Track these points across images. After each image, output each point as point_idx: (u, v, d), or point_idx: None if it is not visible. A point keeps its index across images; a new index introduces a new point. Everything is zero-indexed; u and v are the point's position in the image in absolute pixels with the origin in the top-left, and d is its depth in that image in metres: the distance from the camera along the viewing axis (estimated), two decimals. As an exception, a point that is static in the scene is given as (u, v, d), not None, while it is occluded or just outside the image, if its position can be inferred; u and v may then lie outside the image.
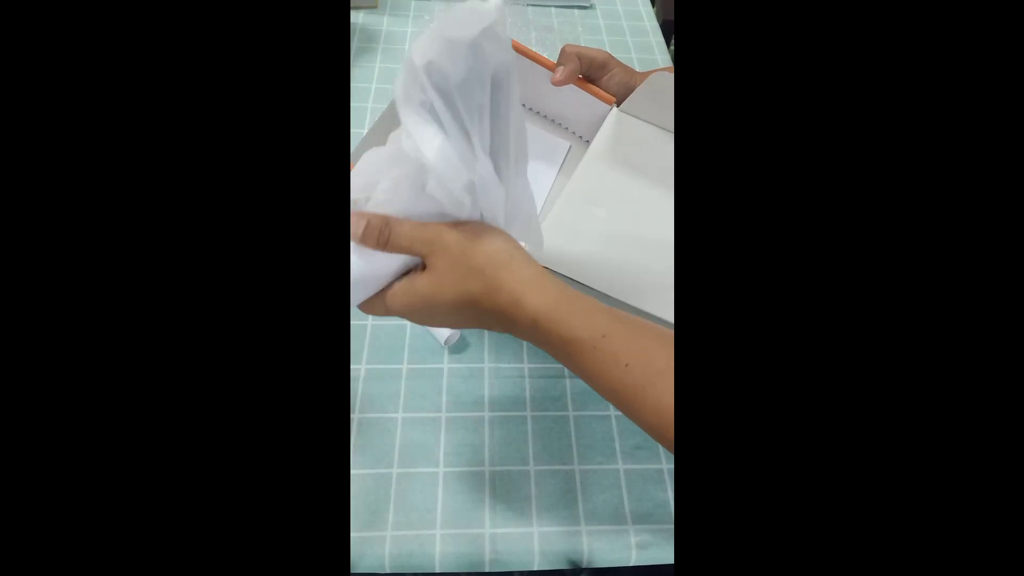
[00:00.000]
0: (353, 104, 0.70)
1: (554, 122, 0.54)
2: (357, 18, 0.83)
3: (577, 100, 0.51)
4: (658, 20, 0.90)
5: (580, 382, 0.51)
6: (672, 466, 0.47)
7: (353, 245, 0.33)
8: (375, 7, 0.84)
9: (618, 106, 0.51)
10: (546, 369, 0.51)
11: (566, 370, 0.52)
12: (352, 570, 0.41)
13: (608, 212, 0.47)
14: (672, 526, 0.44)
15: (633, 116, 0.51)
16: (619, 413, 0.49)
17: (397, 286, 0.34)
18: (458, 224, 0.34)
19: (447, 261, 0.33)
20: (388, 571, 0.42)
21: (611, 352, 0.31)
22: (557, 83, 0.48)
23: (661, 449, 0.47)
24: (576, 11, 0.89)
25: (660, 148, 0.50)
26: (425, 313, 0.35)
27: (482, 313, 0.33)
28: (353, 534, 0.42)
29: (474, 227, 0.34)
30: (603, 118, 0.51)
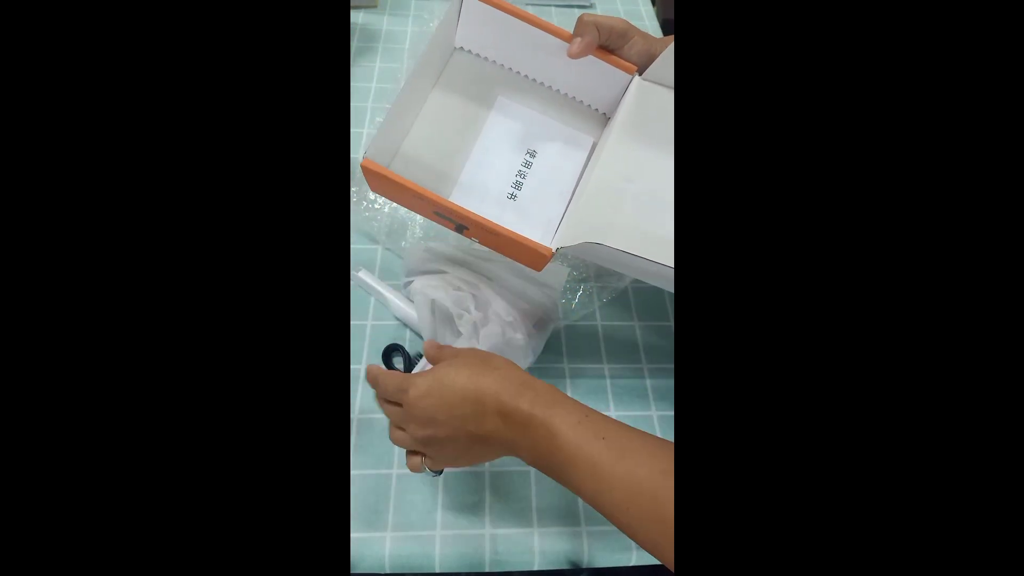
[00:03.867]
0: (353, 104, 0.70)
1: (572, 98, 0.52)
2: (357, 18, 0.83)
3: (595, 71, 0.48)
4: (658, 20, 0.90)
5: (581, 383, 0.51)
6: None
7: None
8: (375, 7, 0.84)
9: (640, 75, 0.48)
10: (546, 370, 0.51)
11: (567, 371, 0.52)
12: (352, 570, 0.41)
13: (643, 184, 0.46)
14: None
15: (656, 83, 0.49)
16: (620, 414, 0.49)
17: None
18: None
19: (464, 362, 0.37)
20: (388, 571, 0.42)
21: (592, 427, 0.33)
22: (574, 55, 0.46)
23: (661, 449, 0.47)
24: (576, 10, 0.89)
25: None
26: (442, 413, 0.36)
27: (503, 419, 0.35)
28: (353, 534, 0.42)
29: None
30: (623, 89, 0.49)
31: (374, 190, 0.45)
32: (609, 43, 0.47)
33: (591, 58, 0.47)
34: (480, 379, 0.35)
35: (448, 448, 0.37)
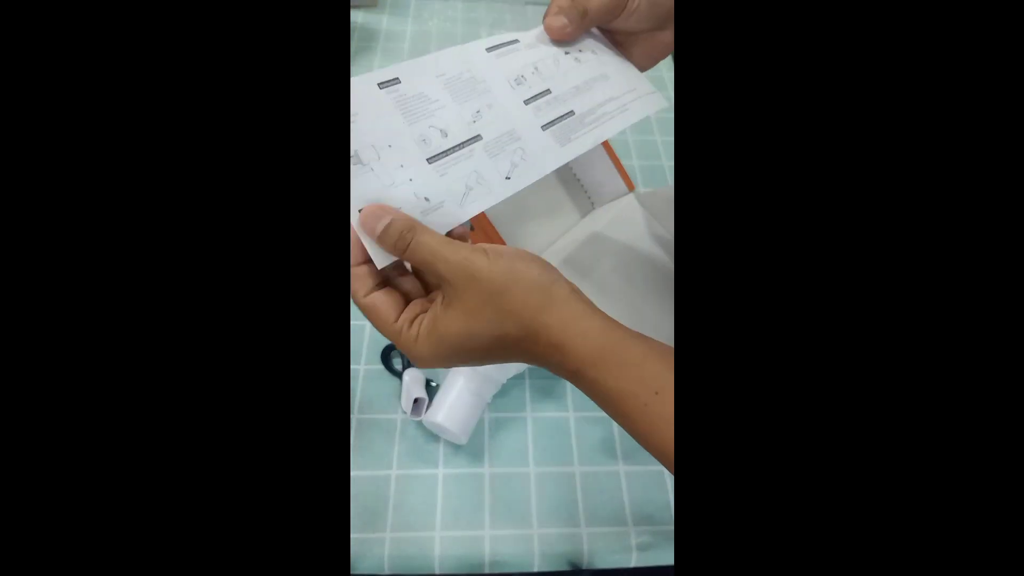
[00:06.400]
0: (353, 104, 0.70)
1: (577, 179, 0.55)
2: (357, 18, 0.82)
3: (604, 167, 0.54)
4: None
5: (580, 383, 0.51)
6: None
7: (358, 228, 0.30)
8: (375, 7, 0.84)
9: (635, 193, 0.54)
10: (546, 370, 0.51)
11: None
12: (352, 571, 0.41)
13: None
14: (672, 527, 0.44)
15: (645, 208, 0.53)
16: (619, 414, 0.49)
17: (419, 329, 0.30)
18: (489, 249, 0.29)
19: (477, 299, 0.28)
20: (387, 572, 0.42)
21: (663, 413, 0.27)
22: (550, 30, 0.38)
23: (661, 450, 0.47)
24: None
25: (650, 252, 0.51)
26: (455, 359, 0.30)
27: (522, 354, 0.30)
28: (352, 535, 0.42)
29: (507, 255, 0.29)
30: (619, 194, 0.54)
31: None
32: (601, 20, 0.39)
33: (607, 160, 0.54)
34: (506, 329, 0.29)
35: (476, 354, 0.30)
